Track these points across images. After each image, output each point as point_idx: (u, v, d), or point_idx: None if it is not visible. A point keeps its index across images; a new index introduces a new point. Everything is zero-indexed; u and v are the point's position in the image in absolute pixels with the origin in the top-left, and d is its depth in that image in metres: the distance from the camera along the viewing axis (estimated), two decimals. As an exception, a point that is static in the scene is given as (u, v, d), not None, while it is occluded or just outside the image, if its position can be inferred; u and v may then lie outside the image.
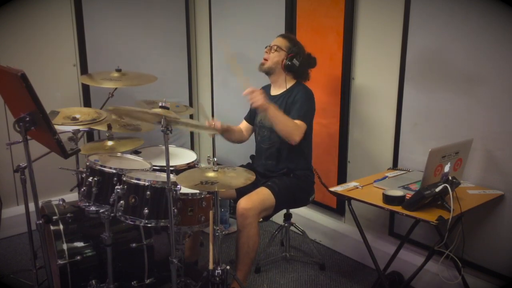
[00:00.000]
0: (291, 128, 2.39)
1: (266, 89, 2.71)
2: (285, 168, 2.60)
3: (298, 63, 2.53)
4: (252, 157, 2.82)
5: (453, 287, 2.36)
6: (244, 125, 2.84)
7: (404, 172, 2.52)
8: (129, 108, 2.11)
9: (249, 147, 2.84)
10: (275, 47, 2.56)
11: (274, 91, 2.65)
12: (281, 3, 3.08)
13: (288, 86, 2.59)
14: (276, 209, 2.52)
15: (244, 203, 2.35)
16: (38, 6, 3.15)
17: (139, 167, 2.31)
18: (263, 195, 2.44)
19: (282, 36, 2.63)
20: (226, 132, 2.66)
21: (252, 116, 2.80)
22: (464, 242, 2.27)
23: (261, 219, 2.48)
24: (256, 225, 2.37)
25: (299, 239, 3.20)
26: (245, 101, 2.84)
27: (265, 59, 2.59)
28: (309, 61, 2.62)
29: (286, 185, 2.54)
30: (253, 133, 2.80)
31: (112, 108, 2.17)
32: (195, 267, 2.75)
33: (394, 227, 2.73)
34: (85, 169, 2.24)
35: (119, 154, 2.47)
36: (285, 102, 2.54)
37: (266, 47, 2.62)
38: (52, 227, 2.24)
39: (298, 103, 2.49)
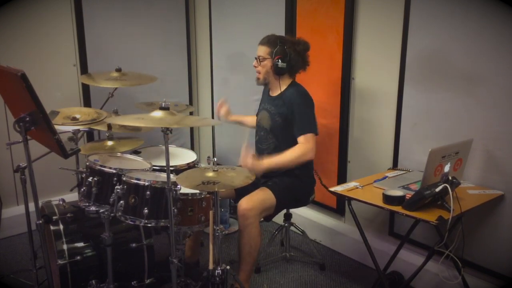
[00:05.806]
0: (297, 159, 2.43)
1: (268, 90, 2.70)
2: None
3: (285, 64, 2.49)
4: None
5: (453, 287, 2.36)
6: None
7: (404, 172, 2.52)
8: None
9: (249, 147, 2.84)
10: (260, 58, 2.54)
11: (272, 93, 2.64)
12: (281, 3, 3.08)
13: (283, 88, 2.58)
14: (277, 209, 2.52)
15: (245, 203, 2.35)
16: (38, 6, 3.15)
17: (139, 167, 2.31)
18: (263, 195, 2.44)
19: (261, 43, 2.55)
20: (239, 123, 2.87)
21: None
22: (464, 242, 2.27)
23: (263, 219, 2.48)
24: (257, 225, 2.37)
25: (299, 239, 3.20)
26: (244, 101, 2.85)
27: (258, 72, 2.58)
28: (298, 50, 2.52)
29: (286, 184, 2.54)
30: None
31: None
32: (196, 267, 2.75)
33: (394, 227, 2.73)
34: (85, 169, 2.24)
35: (119, 154, 2.47)
36: (281, 103, 2.53)
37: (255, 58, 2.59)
38: (52, 227, 2.24)
39: (297, 115, 2.47)
